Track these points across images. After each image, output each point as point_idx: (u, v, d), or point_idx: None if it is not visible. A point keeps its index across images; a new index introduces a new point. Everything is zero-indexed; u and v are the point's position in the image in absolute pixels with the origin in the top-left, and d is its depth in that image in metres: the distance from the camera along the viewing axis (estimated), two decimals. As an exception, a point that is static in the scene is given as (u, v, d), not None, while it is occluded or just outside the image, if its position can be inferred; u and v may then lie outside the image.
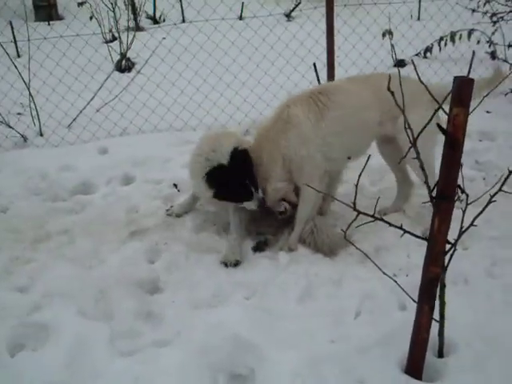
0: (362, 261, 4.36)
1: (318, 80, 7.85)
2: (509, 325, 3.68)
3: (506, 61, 8.41)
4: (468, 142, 6.21)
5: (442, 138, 2.76)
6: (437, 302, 3.14)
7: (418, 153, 2.93)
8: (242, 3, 12.06)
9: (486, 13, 8.78)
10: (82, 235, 4.96)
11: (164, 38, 9.48)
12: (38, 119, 7.18)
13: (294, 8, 12.92)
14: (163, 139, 6.96)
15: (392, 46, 8.40)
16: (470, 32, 8.84)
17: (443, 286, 3.18)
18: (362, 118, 4.70)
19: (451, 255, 3.07)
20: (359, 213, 2.98)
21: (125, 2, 10.87)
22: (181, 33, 8.49)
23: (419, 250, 3.17)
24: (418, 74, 2.96)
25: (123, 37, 9.44)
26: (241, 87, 7.87)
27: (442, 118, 2.94)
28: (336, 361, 3.42)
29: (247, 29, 8.63)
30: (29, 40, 7.34)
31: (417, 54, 9.58)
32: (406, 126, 2.87)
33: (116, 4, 9.71)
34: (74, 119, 7.38)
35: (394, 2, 9.21)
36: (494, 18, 8.72)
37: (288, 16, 12.81)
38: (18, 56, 9.62)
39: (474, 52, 3.12)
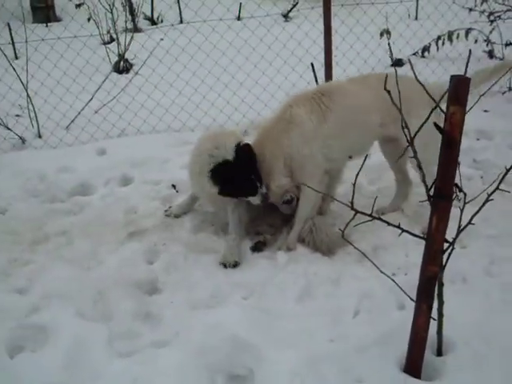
0: (361, 260, 4.35)
1: (316, 80, 7.86)
2: (507, 323, 3.68)
3: (503, 59, 8.41)
4: (466, 140, 6.21)
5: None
6: (435, 301, 3.14)
7: (415, 152, 2.94)
8: (240, 4, 12.06)
9: (483, 12, 8.79)
10: (80, 236, 4.96)
11: (162, 39, 9.49)
12: (36, 121, 7.19)
13: (291, 8, 12.91)
14: (161, 140, 6.96)
15: (389, 45, 8.42)
16: (468, 31, 8.84)
17: (441, 285, 3.18)
18: (364, 119, 4.71)
19: (449, 254, 3.08)
20: (357, 212, 2.98)
21: (122, 3, 10.86)
22: (178, 33, 8.50)
23: (417, 248, 3.17)
24: (414, 73, 2.96)
25: (121, 38, 9.43)
26: (239, 87, 7.87)
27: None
28: (335, 360, 3.42)
29: (245, 29, 8.63)
30: (26, 42, 7.34)
31: (414, 54, 9.58)
32: (404, 126, 2.87)
33: (114, 5, 9.71)
34: (72, 121, 7.38)
35: (391, 2, 9.21)
36: (492, 17, 8.72)
37: (286, 16, 12.80)
38: (16, 58, 9.61)
39: (470, 51, 3.11)
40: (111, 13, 9.74)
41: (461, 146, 2.78)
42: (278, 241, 4.86)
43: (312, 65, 7.95)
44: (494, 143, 6.58)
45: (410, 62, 2.99)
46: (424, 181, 2.98)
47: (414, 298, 3.12)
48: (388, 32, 9.02)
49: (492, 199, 3.00)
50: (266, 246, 4.80)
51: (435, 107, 2.81)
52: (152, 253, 4.70)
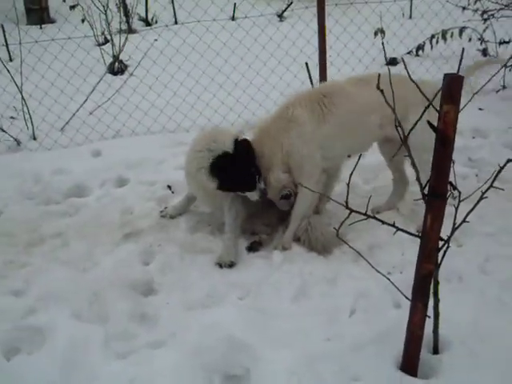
0: (356, 259, 4.36)
1: (311, 80, 7.87)
2: (503, 321, 3.69)
3: (497, 58, 8.43)
4: (461, 139, 6.26)
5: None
6: (431, 300, 3.15)
7: (409, 150, 2.95)
8: (235, 4, 12.06)
9: (476, 10, 8.80)
10: (76, 238, 4.95)
11: (156, 40, 9.49)
12: (31, 123, 7.18)
13: (286, 8, 12.92)
14: (156, 141, 6.96)
15: (382, 44, 8.42)
16: (462, 30, 8.86)
17: (437, 283, 3.19)
18: (364, 121, 4.72)
19: (444, 252, 3.08)
20: (351, 211, 2.99)
21: (117, 4, 10.86)
22: (173, 34, 8.49)
23: (413, 247, 3.17)
24: (408, 72, 2.97)
25: (115, 39, 9.43)
26: (233, 88, 7.87)
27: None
28: (331, 359, 3.43)
29: (239, 29, 8.63)
30: (20, 43, 7.33)
31: (409, 52, 9.61)
32: (397, 124, 2.88)
33: (108, 6, 9.69)
34: (67, 122, 7.38)
35: (385, 1, 9.21)
36: (485, 16, 8.72)
37: (280, 16, 12.81)
38: (10, 60, 9.60)
39: (463, 49, 3.13)
40: (105, 14, 9.73)
41: (456, 145, 2.79)
42: (273, 240, 4.86)
43: (306, 64, 7.96)
44: (488, 141, 6.60)
45: (403, 61, 3.00)
46: (418, 179, 2.99)
47: (410, 297, 3.13)
48: (382, 31, 9.03)
49: (486, 197, 3.01)
50: (262, 246, 4.80)
51: (428, 105, 2.82)
52: (148, 254, 4.70)
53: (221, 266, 4.51)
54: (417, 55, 9.57)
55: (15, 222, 5.24)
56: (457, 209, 3.05)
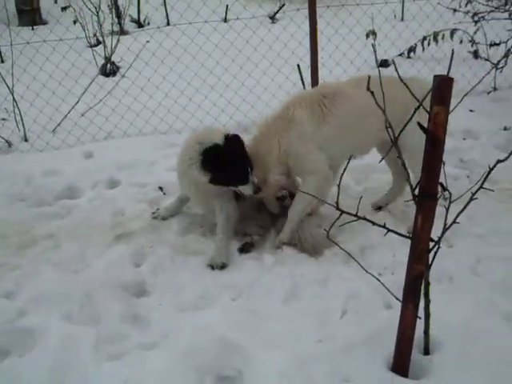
0: (347, 261, 4.36)
1: (302, 81, 7.88)
2: (493, 322, 3.70)
3: (488, 60, 8.46)
4: (452, 140, 6.30)
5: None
6: (422, 301, 3.16)
7: (399, 152, 2.97)
8: (227, 5, 12.06)
9: (467, 12, 8.82)
10: (67, 239, 4.94)
11: (148, 42, 9.48)
12: (23, 124, 7.16)
13: (278, 10, 12.93)
14: (148, 143, 6.97)
15: (373, 46, 8.41)
16: (453, 32, 8.88)
17: (427, 284, 3.20)
18: (364, 123, 4.73)
19: (435, 253, 3.09)
20: (342, 212, 2.99)
21: (109, 5, 10.84)
22: (165, 36, 8.49)
23: (404, 248, 3.18)
24: (398, 74, 2.98)
25: (107, 41, 9.42)
26: (225, 89, 7.88)
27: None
28: (322, 360, 3.43)
29: (231, 31, 8.64)
30: (12, 45, 7.32)
31: (400, 54, 9.64)
32: (387, 125, 2.89)
33: (100, 8, 9.68)
34: (59, 124, 7.37)
35: (376, 3, 9.25)
36: (476, 18, 8.75)
37: (272, 18, 12.81)
38: (2, 61, 9.61)
39: (453, 50, 3.13)
40: (97, 15, 9.71)
41: (447, 146, 2.80)
42: (266, 242, 4.86)
43: (298, 66, 7.98)
44: (479, 143, 6.62)
45: (393, 63, 3.01)
46: (409, 180, 3.00)
47: (401, 298, 3.13)
48: (374, 33, 9.04)
49: (476, 198, 3.02)
50: (254, 247, 4.80)
51: (418, 107, 2.83)
52: (139, 255, 4.69)
53: (212, 267, 4.50)
54: (408, 57, 9.60)
55: (7, 223, 5.23)
56: (447, 210, 3.06)
